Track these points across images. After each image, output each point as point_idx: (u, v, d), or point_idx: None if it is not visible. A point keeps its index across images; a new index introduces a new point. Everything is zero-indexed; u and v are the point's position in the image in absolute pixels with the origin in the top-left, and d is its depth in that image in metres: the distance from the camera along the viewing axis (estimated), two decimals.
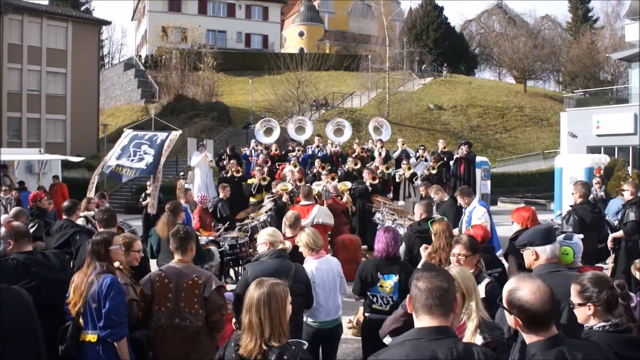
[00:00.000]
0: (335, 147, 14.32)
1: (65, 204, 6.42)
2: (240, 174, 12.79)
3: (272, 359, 2.48)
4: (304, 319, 4.61)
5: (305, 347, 2.70)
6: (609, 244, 7.10)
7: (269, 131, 15.67)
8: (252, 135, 18.08)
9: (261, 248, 4.54)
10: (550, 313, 2.15)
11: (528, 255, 3.59)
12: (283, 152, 14.72)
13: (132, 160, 9.75)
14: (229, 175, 12.69)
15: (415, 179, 12.50)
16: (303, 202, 8.28)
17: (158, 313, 3.81)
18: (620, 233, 7.04)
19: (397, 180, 12.71)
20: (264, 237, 4.55)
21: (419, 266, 4.17)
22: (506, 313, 2.22)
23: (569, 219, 6.49)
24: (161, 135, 10.35)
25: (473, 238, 3.99)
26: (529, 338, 2.18)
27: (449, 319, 2.24)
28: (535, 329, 2.15)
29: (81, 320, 3.64)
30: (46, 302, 3.71)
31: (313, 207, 8.18)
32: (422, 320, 2.20)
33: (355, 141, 15.43)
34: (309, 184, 10.54)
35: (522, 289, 2.17)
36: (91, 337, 3.59)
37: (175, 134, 11.25)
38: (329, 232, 9.36)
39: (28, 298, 3.28)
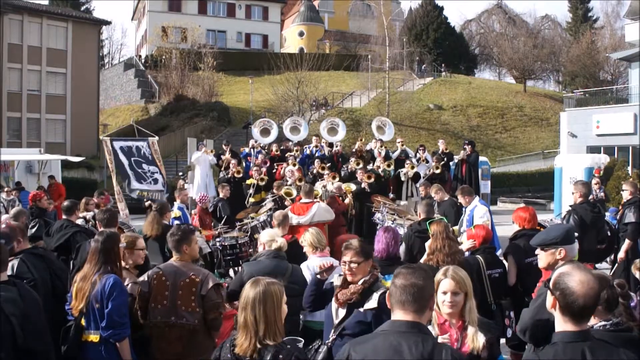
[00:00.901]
0: (336, 147, 14.29)
1: (65, 203, 6.44)
2: (240, 174, 12.76)
3: (268, 358, 2.49)
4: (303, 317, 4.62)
5: (300, 344, 2.72)
6: (622, 255, 6.92)
7: (265, 131, 15.64)
8: (251, 135, 18.05)
9: (260, 249, 4.63)
10: (589, 309, 2.17)
11: (553, 254, 3.48)
12: (282, 149, 14.68)
13: (149, 184, 10.47)
14: (229, 175, 12.68)
15: (419, 179, 12.49)
16: (303, 200, 8.28)
17: (154, 311, 3.81)
18: (627, 244, 6.88)
19: (402, 179, 12.67)
20: (262, 239, 4.65)
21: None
22: (548, 293, 2.26)
23: (569, 218, 6.48)
24: (144, 147, 10.70)
25: (364, 243, 3.62)
26: (559, 325, 2.22)
27: (423, 316, 2.31)
28: (568, 318, 2.18)
29: (83, 320, 3.65)
30: (63, 290, 4.05)
31: (313, 204, 8.18)
32: (396, 315, 2.29)
33: (360, 139, 15.41)
34: (309, 184, 10.51)
35: (573, 275, 2.19)
36: (93, 337, 3.61)
37: (153, 140, 11.48)
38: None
39: (35, 294, 3.43)
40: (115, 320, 3.54)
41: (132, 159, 10.91)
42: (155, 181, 10.98)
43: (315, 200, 8.57)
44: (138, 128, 12.28)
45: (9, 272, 3.58)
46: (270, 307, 2.55)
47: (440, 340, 2.79)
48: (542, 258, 3.55)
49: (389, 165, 12.75)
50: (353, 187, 10.94)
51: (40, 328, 3.31)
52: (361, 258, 3.45)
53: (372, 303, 3.24)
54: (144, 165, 10.87)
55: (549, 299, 2.26)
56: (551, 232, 3.59)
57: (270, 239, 4.58)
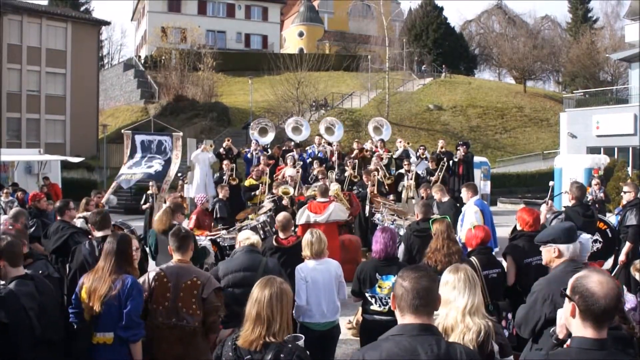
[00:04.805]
0: (334, 146, 14.29)
1: (57, 204, 6.42)
2: (236, 182, 12.75)
3: (269, 357, 2.48)
4: (300, 319, 4.63)
5: (301, 341, 2.74)
6: (622, 258, 6.90)
7: (263, 131, 15.63)
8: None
9: (237, 247, 4.77)
10: (610, 311, 2.09)
11: (549, 252, 3.58)
12: (283, 150, 14.68)
13: (141, 167, 10.50)
14: (225, 181, 12.64)
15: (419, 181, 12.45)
16: (319, 199, 8.30)
17: (155, 312, 3.81)
18: (627, 247, 6.87)
19: (400, 189, 12.56)
20: (238, 238, 4.78)
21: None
22: (566, 300, 2.19)
23: (561, 219, 6.51)
24: (167, 141, 10.77)
25: None
26: (578, 329, 2.14)
27: (432, 318, 2.29)
28: (589, 322, 2.09)
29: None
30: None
31: (329, 204, 8.21)
32: (407, 318, 2.24)
33: (356, 140, 15.42)
34: (323, 184, 10.38)
35: (590, 277, 2.14)
36: (106, 338, 3.58)
37: (177, 135, 11.50)
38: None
39: (52, 287, 3.65)
40: (134, 320, 3.56)
41: (148, 154, 11.09)
42: (149, 167, 11.02)
43: (330, 200, 8.58)
44: (157, 122, 12.39)
45: None
46: (285, 304, 2.64)
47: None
48: (543, 254, 3.66)
49: (388, 179, 12.53)
50: (336, 186, 10.70)
51: (56, 320, 3.49)
52: None
53: None
54: (156, 162, 11.00)
55: (567, 306, 2.17)
56: (551, 229, 3.70)
57: (245, 237, 4.69)
